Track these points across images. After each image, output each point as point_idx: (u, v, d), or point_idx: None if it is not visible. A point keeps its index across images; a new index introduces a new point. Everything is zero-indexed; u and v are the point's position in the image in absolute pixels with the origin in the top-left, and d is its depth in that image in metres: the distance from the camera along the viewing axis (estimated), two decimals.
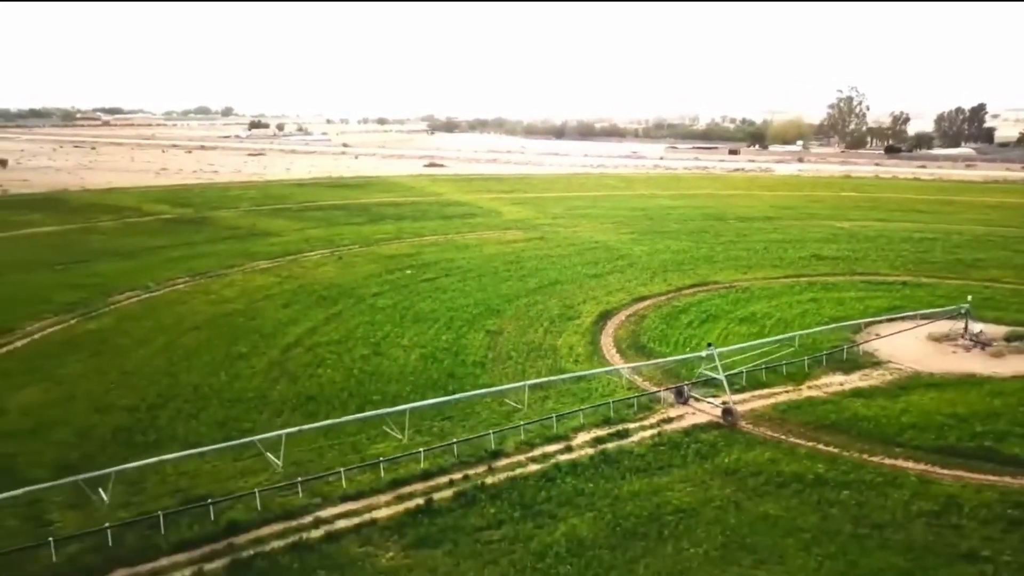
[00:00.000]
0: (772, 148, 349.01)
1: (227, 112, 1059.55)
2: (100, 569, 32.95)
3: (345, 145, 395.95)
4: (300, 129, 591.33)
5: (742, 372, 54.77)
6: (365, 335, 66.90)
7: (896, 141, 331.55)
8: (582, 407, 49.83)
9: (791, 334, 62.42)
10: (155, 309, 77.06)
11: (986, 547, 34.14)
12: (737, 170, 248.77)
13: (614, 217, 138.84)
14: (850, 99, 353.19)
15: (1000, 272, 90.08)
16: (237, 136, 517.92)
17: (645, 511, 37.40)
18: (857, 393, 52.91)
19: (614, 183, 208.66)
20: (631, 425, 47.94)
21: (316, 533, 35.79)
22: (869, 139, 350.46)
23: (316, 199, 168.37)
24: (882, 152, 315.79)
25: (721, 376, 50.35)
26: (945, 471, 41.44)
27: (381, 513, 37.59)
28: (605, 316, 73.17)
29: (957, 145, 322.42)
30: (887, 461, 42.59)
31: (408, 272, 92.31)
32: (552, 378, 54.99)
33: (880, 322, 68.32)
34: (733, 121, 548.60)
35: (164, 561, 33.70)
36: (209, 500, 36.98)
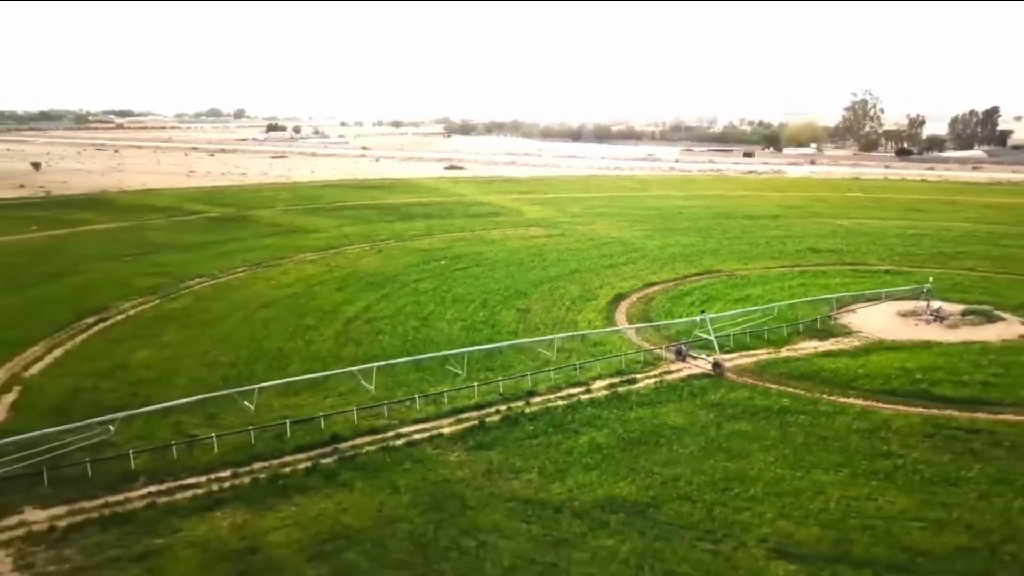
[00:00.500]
0: (786, 151, 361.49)
1: (239, 114, 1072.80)
2: (244, 462, 45.95)
3: (364, 148, 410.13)
4: (316, 132, 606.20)
5: (730, 336, 67.65)
6: (413, 311, 80.00)
7: (909, 144, 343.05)
8: (599, 359, 63.00)
9: (772, 304, 75.46)
10: (225, 292, 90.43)
11: (902, 450, 46.79)
12: (750, 172, 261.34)
13: (629, 216, 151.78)
14: (864, 102, 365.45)
15: (976, 263, 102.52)
16: (254, 139, 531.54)
17: (647, 428, 50.30)
18: (826, 354, 65.68)
19: (630, 184, 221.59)
20: (639, 375, 60.86)
21: (399, 442, 48.78)
22: (884, 142, 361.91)
23: (346, 199, 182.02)
24: (893, 155, 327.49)
25: (712, 337, 63.32)
26: (884, 406, 54.11)
27: (446, 430, 50.60)
28: (619, 298, 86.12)
29: (970, 148, 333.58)
30: (839, 399, 55.34)
31: (442, 263, 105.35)
32: (575, 333, 69.22)
33: (844, 297, 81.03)
34: (751, 124, 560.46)
35: (288, 458, 46.68)
36: (320, 415, 50.27)
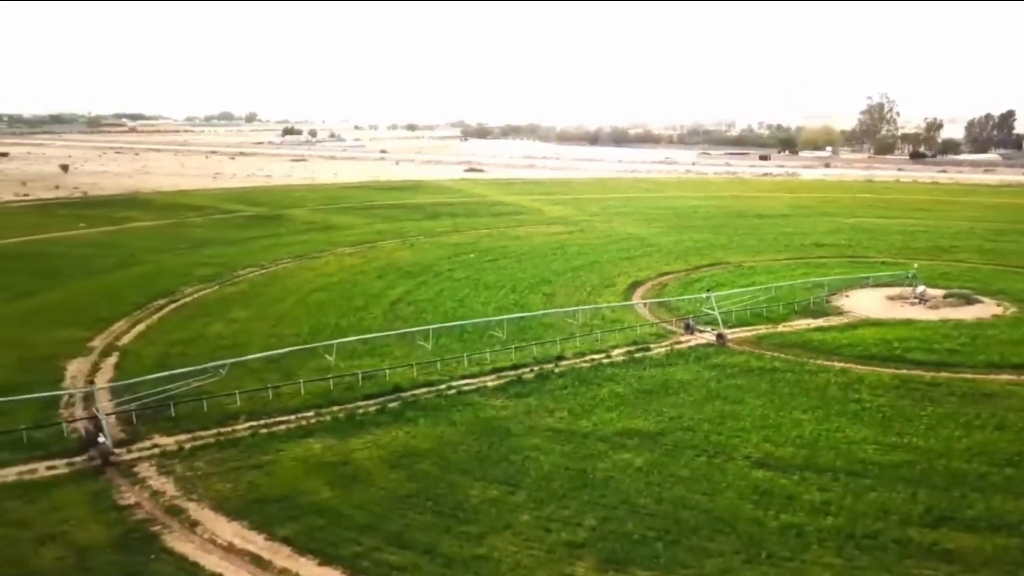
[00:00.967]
0: (802, 154, 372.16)
1: (251, 118, 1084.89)
2: (324, 405, 56.95)
3: (383, 151, 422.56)
4: (332, 135, 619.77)
5: (731, 312, 78.59)
6: (449, 295, 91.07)
7: (925, 147, 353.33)
8: (618, 330, 74.18)
9: (770, 284, 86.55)
10: (276, 279, 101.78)
11: (870, 398, 57.38)
12: (765, 175, 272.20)
13: (645, 215, 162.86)
14: (881, 105, 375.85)
15: (967, 255, 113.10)
16: (270, 142, 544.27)
17: (658, 382, 61.20)
18: (817, 329, 76.45)
19: (647, 186, 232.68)
20: (652, 345, 71.73)
21: (450, 392, 59.87)
22: (900, 145, 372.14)
23: (372, 200, 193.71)
24: (908, 158, 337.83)
25: (716, 313, 74.30)
26: (861, 367, 64.79)
27: (489, 383, 61.60)
28: (635, 284, 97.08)
29: (985, 151, 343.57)
30: (824, 362, 66.03)
31: (471, 256, 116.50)
32: (598, 305, 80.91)
33: (835, 281, 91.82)
34: (769, 127, 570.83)
35: (360, 403, 57.71)
36: (385, 368, 61.62)
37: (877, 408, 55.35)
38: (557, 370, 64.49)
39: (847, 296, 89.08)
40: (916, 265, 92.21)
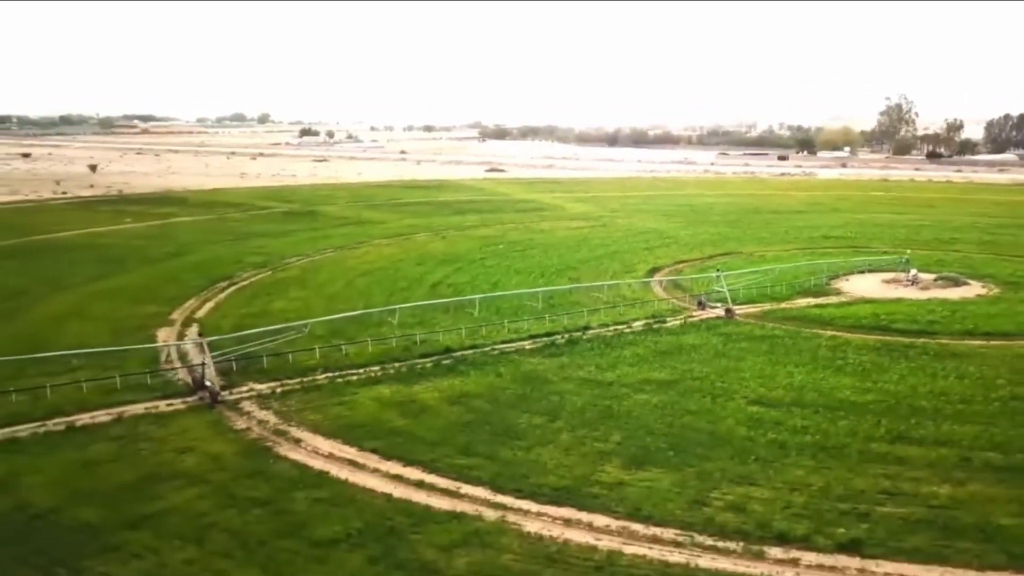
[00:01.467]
0: (820, 154, 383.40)
1: (263, 119, 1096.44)
2: (387, 361, 68.66)
3: (403, 152, 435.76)
4: (350, 136, 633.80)
5: (739, 291, 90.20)
6: (484, 279, 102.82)
7: (943, 147, 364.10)
8: (637, 305, 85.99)
9: (773, 266, 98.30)
10: (323, 266, 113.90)
11: (854, 356, 68.67)
12: (782, 174, 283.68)
13: (664, 211, 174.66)
14: (899, 106, 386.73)
15: (964, 247, 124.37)
16: (287, 143, 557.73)
17: (672, 346, 72.82)
18: (816, 306, 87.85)
19: (665, 185, 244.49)
20: (668, 318, 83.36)
21: (494, 352, 71.66)
22: (920, 146, 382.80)
23: (399, 197, 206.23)
24: (924, 158, 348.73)
25: (725, 291, 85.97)
26: (850, 334, 76.20)
27: (527, 346, 73.39)
28: (654, 270, 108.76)
29: (1004, 151, 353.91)
30: (818, 331, 77.57)
31: (500, 247, 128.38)
32: (620, 281, 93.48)
33: (835, 264, 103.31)
34: (790, 128, 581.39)
35: (417, 360, 69.40)
36: (439, 330, 73.70)
37: (858, 363, 66.85)
38: (585, 337, 76.13)
39: (847, 280, 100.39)
40: (909, 251, 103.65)
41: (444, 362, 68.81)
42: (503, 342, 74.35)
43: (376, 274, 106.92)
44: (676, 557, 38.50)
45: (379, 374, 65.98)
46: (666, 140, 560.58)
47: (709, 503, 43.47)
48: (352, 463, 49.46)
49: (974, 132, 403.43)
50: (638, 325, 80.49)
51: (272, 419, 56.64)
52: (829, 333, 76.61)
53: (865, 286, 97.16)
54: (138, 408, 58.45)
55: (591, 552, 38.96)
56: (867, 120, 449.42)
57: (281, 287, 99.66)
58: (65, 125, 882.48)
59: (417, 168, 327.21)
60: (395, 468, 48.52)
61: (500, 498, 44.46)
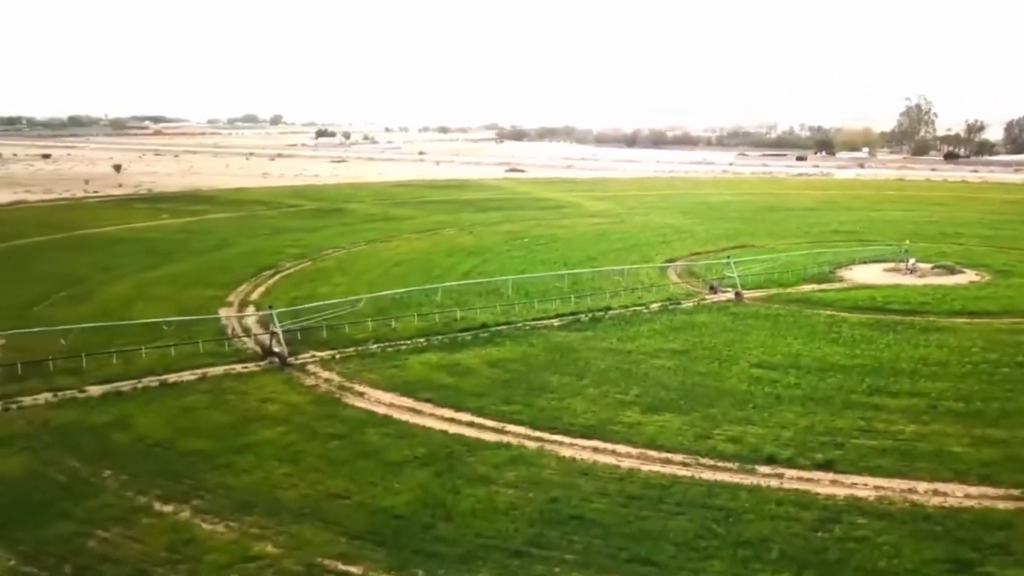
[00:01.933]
0: (839, 155, 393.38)
1: (276, 120, 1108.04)
2: (431, 334, 79.34)
3: (421, 152, 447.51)
4: (366, 138, 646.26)
5: (748, 277, 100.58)
6: (512, 268, 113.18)
7: (963, 148, 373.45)
8: (653, 288, 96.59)
9: (777, 254, 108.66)
10: (358, 257, 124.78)
11: (848, 330, 78.77)
12: (799, 175, 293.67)
13: (681, 208, 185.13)
14: (919, 107, 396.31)
15: (967, 240, 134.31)
16: (304, 144, 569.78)
17: (686, 323, 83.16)
18: (819, 291, 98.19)
19: (683, 185, 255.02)
20: (682, 301, 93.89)
21: (525, 328, 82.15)
22: (940, 146, 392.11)
23: (423, 196, 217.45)
24: (942, 159, 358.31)
25: (735, 276, 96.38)
26: (847, 314, 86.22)
27: (554, 323, 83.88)
28: (670, 260, 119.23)
29: (1023, 151, 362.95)
30: (818, 311, 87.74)
31: (525, 240, 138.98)
32: (639, 266, 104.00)
33: (840, 253, 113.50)
34: (810, 129, 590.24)
35: (457, 334, 79.91)
36: (477, 307, 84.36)
37: (851, 336, 77.05)
38: (607, 316, 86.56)
39: (850, 269, 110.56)
40: (908, 242, 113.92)
41: (482, 335, 79.29)
42: (533, 319, 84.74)
43: (409, 264, 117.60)
44: (683, 472, 48.70)
45: (424, 344, 76.47)
46: (685, 141, 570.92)
47: (712, 437, 53.69)
48: (411, 410, 59.95)
49: (996, 133, 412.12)
50: (655, 306, 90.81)
51: (336, 378, 67.23)
52: (828, 312, 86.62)
53: (866, 274, 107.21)
54: (218, 370, 69.16)
55: (615, 469, 49.30)
56: (887, 121, 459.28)
57: (323, 274, 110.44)
58: (74, 126, 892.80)
59: (437, 168, 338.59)
60: (448, 413, 58.95)
61: (538, 434, 54.74)
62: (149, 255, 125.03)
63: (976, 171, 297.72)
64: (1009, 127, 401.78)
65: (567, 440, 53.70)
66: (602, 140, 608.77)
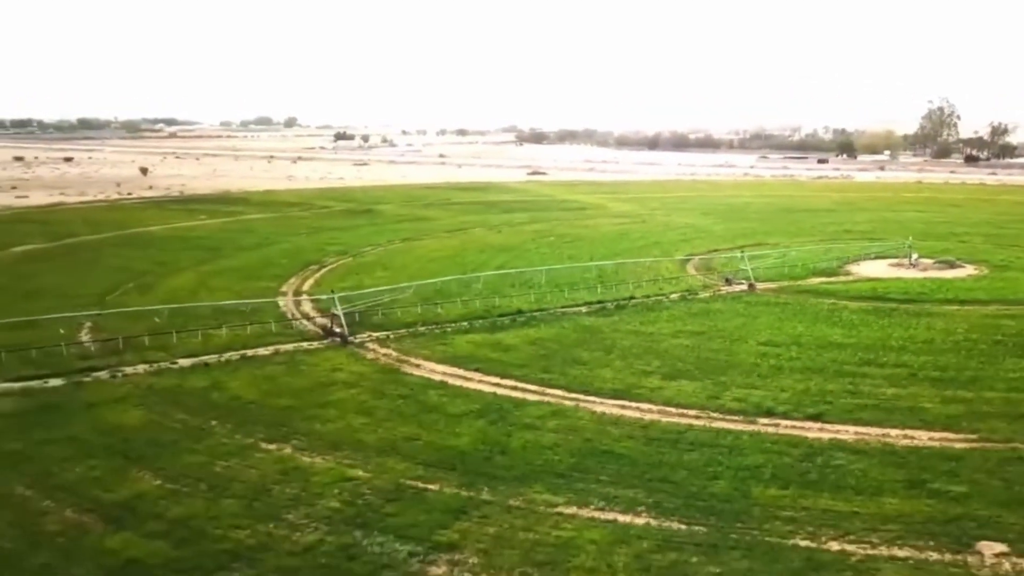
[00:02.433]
0: (860, 158, 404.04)
1: (290, 123, 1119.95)
2: (473, 318, 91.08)
3: (442, 155, 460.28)
4: (385, 140, 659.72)
5: (760, 271, 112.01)
6: (541, 263, 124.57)
7: (985, 151, 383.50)
8: (672, 280, 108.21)
9: (790, 249, 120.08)
10: (395, 254, 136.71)
11: (848, 315, 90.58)
12: (820, 177, 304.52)
13: (701, 209, 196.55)
14: (941, 110, 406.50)
15: (973, 239, 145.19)
16: (322, 147, 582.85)
17: (702, 310, 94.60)
18: (826, 283, 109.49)
19: (704, 187, 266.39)
20: (700, 291, 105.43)
21: (557, 313, 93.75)
22: (963, 149, 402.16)
23: (449, 198, 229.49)
24: (962, 161, 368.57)
25: (748, 269, 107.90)
26: (849, 302, 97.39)
27: (582, 310, 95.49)
28: (689, 256, 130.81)
29: None
30: (823, 300, 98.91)
31: (551, 239, 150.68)
32: (658, 258, 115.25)
33: (847, 248, 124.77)
34: (834, 132, 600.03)
35: (496, 318, 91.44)
36: (512, 295, 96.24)
37: (851, 320, 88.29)
38: (630, 304, 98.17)
39: (858, 264, 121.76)
40: (911, 238, 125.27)
41: (519, 319, 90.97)
42: (564, 307, 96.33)
43: (444, 260, 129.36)
44: (696, 422, 60.07)
45: (468, 327, 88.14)
46: (707, 144, 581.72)
47: (721, 397, 65.06)
48: (462, 377, 71.56)
49: (1022, 137, 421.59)
50: (674, 296, 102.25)
51: (393, 353, 79.02)
52: (831, 301, 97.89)
53: (872, 269, 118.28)
54: (288, 347, 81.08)
55: (639, 420, 60.78)
56: (911, 123, 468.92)
57: (366, 268, 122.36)
58: (85, 128, 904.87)
59: (459, 171, 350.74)
60: (495, 380, 70.48)
61: (573, 395, 66.20)
62: (200, 251, 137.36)
63: (995, 173, 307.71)
64: None
65: (598, 400, 65.14)
66: (623, 143, 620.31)
